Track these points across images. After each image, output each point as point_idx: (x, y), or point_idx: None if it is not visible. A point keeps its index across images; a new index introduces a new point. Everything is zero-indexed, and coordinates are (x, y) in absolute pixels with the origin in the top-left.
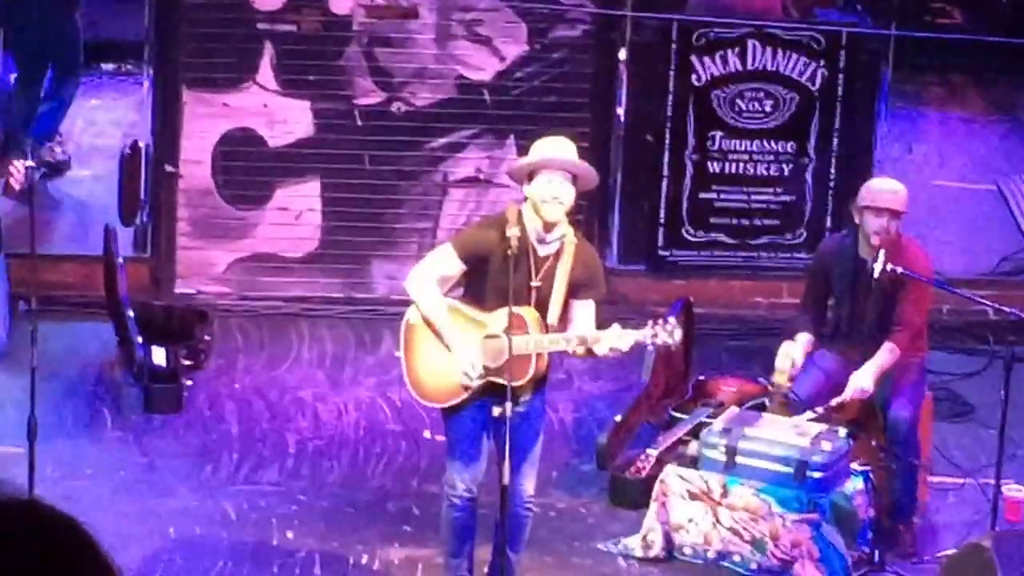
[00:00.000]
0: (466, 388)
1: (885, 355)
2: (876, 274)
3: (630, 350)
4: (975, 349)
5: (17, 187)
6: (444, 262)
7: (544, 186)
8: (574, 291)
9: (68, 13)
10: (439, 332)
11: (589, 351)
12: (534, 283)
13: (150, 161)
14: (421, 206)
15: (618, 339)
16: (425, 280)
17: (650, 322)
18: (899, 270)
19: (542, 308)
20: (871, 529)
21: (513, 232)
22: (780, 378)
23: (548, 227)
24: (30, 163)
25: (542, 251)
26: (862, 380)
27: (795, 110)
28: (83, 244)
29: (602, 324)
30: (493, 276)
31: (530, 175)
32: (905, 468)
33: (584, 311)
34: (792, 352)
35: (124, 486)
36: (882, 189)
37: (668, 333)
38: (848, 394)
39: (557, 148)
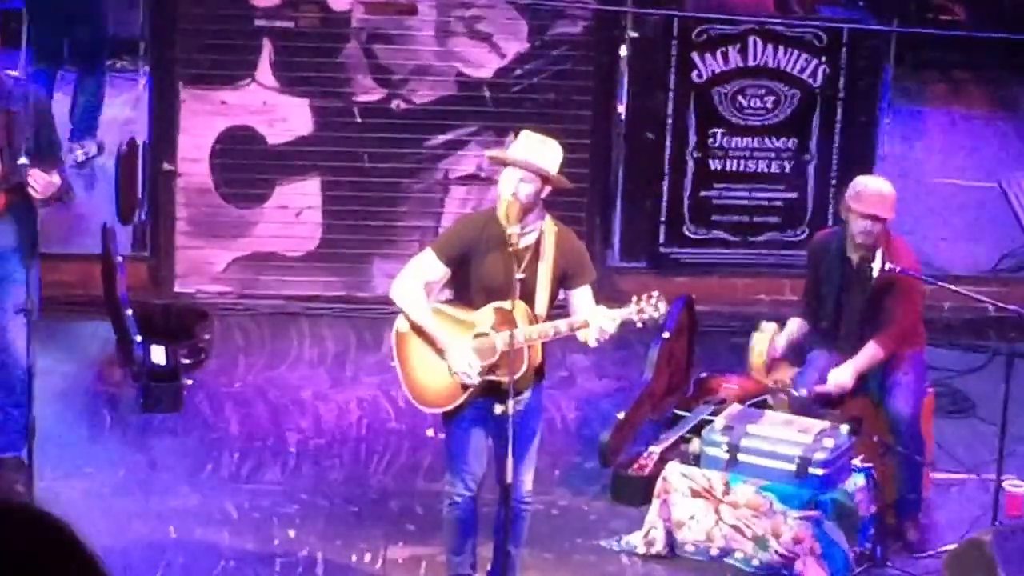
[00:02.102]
0: (466, 387)
1: (867, 354)
2: (875, 273)
3: (619, 331)
4: (976, 345)
5: (40, 196)
6: (427, 267)
7: (507, 181)
8: (565, 281)
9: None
10: (429, 336)
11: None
12: (517, 276)
13: (147, 159)
14: (422, 204)
15: (604, 320)
16: (409, 287)
17: (634, 298)
18: (897, 268)
19: (529, 300)
20: (872, 525)
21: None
22: (756, 358)
23: (516, 218)
24: (55, 179)
25: (521, 243)
26: (841, 376)
27: (796, 107)
28: (81, 243)
29: None
30: (476, 273)
31: (503, 166)
32: (908, 464)
33: (583, 299)
34: (768, 331)
35: (124, 486)
36: (870, 192)
37: (653, 307)
38: (828, 387)
39: (526, 147)
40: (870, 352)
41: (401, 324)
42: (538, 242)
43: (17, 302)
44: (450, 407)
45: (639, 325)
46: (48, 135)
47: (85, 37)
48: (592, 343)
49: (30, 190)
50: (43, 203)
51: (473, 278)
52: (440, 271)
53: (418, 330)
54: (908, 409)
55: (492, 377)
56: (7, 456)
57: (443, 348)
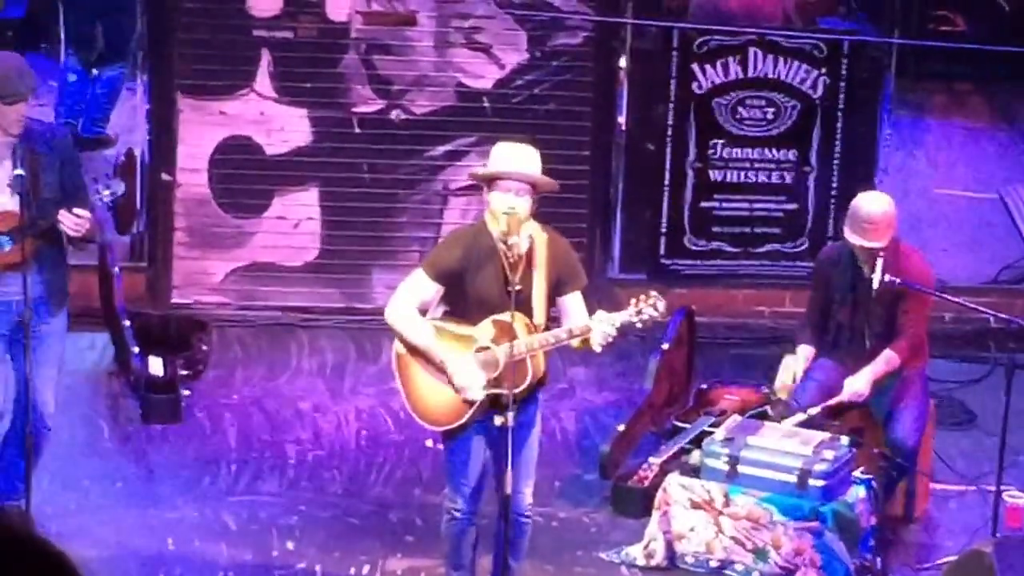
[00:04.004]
0: (471, 403)
1: (883, 362)
2: (875, 285)
3: (620, 335)
4: (977, 357)
5: (74, 235)
6: (419, 287)
7: (500, 197)
8: (557, 288)
9: None
10: (430, 357)
11: (585, 340)
12: (512, 287)
13: (145, 170)
14: (421, 215)
15: (604, 324)
16: (404, 310)
17: (632, 300)
18: (897, 281)
19: (526, 310)
20: (873, 537)
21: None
22: (783, 394)
23: (517, 230)
24: (86, 214)
25: (512, 253)
26: (858, 384)
27: (797, 118)
28: (79, 253)
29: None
30: (471, 287)
31: (489, 182)
32: (897, 480)
33: (574, 305)
34: (794, 366)
35: (122, 497)
36: (859, 218)
37: (651, 307)
38: (844, 396)
39: (513, 158)
40: (886, 359)
41: (400, 346)
42: (530, 251)
43: (46, 356)
44: (456, 424)
45: (639, 326)
46: (74, 177)
47: (115, 27)
48: (596, 348)
49: (62, 227)
50: (76, 244)
51: (468, 292)
52: (433, 289)
53: (417, 351)
54: (911, 442)
55: (497, 390)
56: (10, 504)
57: (445, 367)
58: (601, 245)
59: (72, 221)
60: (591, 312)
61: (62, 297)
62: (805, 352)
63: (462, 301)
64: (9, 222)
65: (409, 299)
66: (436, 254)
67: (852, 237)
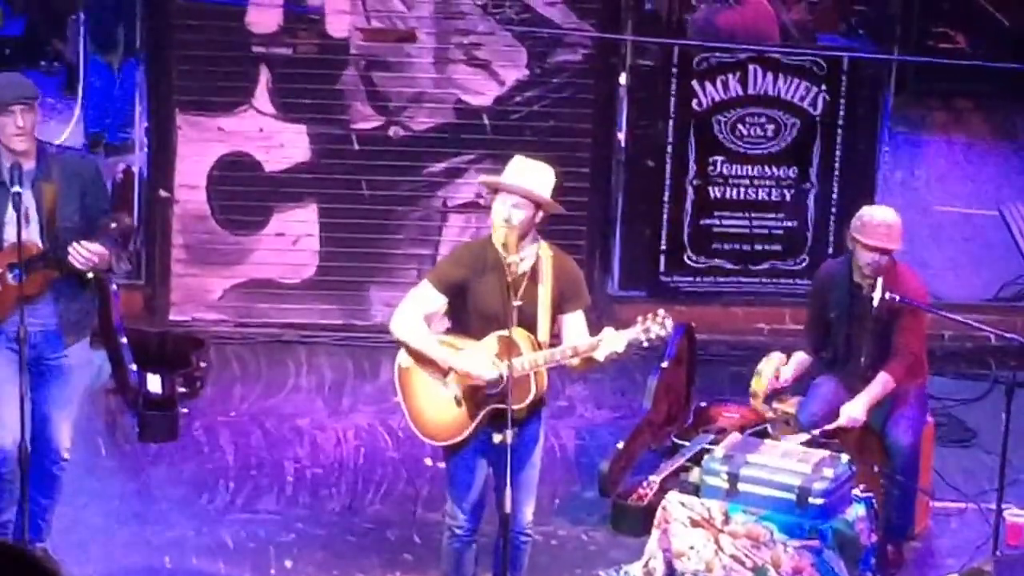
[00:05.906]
0: (473, 416)
1: (878, 385)
2: (875, 303)
3: (626, 351)
4: (977, 374)
5: (81, 267)
6: (425, 299)
7: (499, 207)
8: (560, 306)
9: None
10: (435, 361)
11: (586, 361)
12: (515, 303)
13: (144, 186)
14: (420, 231)
15: (613, 342)
16: (410, 320)
17: (640, 318)
18: (897, 298)
19: (529, 327)
20: (873, 555)
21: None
22: (757, 383)
23: (514, 246)
24: (97, 247)
25: (517, 269)
26: (854, 410)
27: (796, 135)
28: None
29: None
30: (474, 301)
31: (494, 191)
32: (902, 490)
33: (574, 323)
34: (776, 359)
35: (119, 515)
36: (876, 224)
37: (660, 325)
38: (841, 422)
39: (520, 172)
40: (881, 382)
41: (403, 359)
42: (535, 268)
43: (62, 391)
44: (458, 439)
45: (645, 344)
46: (98, 204)
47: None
48: (600, 358)
49: (71, 260)
50: (97, 273)
51: (471, 306)
52: (438, 301)
53: (422, 359)
54: (908, 438)
55: (499, 406)
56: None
57: (452, 365)
58: (600, 262)
59: (82, 255)
60: (595, 329)
61: (80, 329)
62: (797, 356)
63: (465, 315)
64: (15, 254)
65: (414, 309)
66: (442, 266)
67: (870, 241)
